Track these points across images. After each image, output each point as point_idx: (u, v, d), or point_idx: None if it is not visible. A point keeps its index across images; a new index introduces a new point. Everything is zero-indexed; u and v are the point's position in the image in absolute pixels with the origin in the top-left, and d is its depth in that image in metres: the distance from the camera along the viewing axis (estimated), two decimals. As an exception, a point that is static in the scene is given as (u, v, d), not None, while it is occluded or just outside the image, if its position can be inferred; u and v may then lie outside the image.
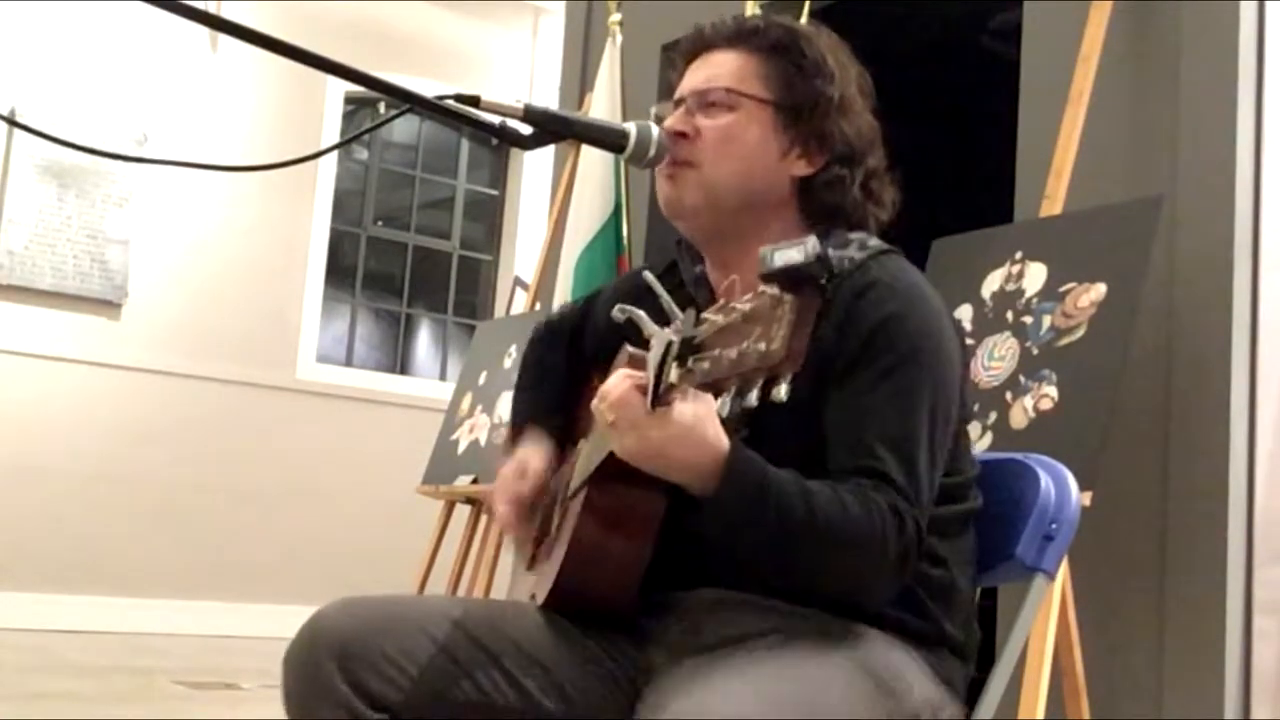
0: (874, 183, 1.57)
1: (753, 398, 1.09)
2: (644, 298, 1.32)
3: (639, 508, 1.43)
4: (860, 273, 1.46)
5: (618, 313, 1.30)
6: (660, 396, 1.23)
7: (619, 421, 1.28)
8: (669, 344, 1.18)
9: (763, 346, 1.04)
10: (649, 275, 1.37)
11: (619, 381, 1.29)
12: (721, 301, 1.13)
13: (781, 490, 1.31)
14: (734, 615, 1.43)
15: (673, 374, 1.18)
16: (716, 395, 1.13)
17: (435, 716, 1.41)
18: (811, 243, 1.05)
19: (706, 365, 1.11)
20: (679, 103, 1.58)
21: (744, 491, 1.30)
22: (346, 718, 1.38)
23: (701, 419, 1.27)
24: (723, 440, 1.30)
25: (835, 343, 1.41)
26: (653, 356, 1.23)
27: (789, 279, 1.04)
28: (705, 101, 1.55)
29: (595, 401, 1.32)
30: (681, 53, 1.63)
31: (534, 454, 1.65)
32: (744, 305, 1.08)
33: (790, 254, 1.05)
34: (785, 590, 1.40)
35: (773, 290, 1.05)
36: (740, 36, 1.57)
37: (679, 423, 1.26)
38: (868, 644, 1.38)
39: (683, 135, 1.54)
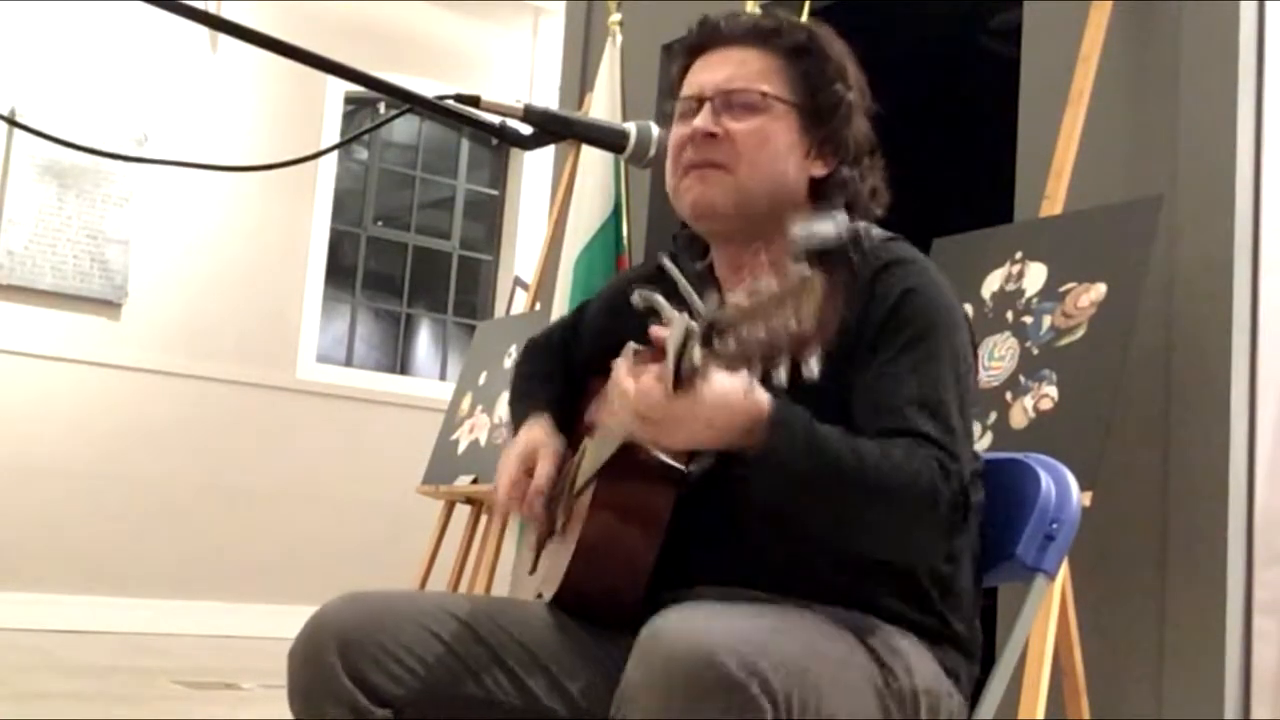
0: (873, 179, 1.58)
1: (781, 375, 1.08)
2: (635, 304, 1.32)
3: (648, 503, 1.43)
4: (875, 255, 1.47)
5: (638, 298, 1.29)
6: (683, 380, 1.22)
7: (651, 414, 1.26)
8: (688, 328, 1.18)
9: (793, 324, 1.04)
10: (667, 261, 1.36)
11: (638, 377, 1.27)
12: (748, 282, 1.12)
13: (829, 438, 1.31)
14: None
15: (696, 356, 1.16)
16: (740, 372, 1.12)
17: (438, 713, 1.41)
18: (841, 219, 1.05)
19: (733, 345, 1.10)
20: (700, 100, 1.55)
21: (794, 442, 1.29)
22: (349, 714, 1.39)
23: (734, 384, 1.25)
24: (764, 395, 1.28)
25: (858, 321, 1.42)
26: (672, 340, 1.22)
27: (818, 256, 1.04)
28: (733, 102, 1.53)
29: (617, 400, 1.30)
30: (689, 45, 1.61)
31: (541, 437, 1.63)
32: (771, 285, 1.08)
33: (821, 230, 1.05)
34: (838, 547, 1.38)
35: (802, 268, 1.05)
36: (760, 35, 1.56)
37: (715, 392, 1.24)
38: (872, 628, 1.39)
39: (712, 136, 1.53)
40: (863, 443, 1.33)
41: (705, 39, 1.59)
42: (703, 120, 1.53)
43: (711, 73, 1.56)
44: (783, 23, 1.58)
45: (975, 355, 1.53)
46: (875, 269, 1.45)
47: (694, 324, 1.16)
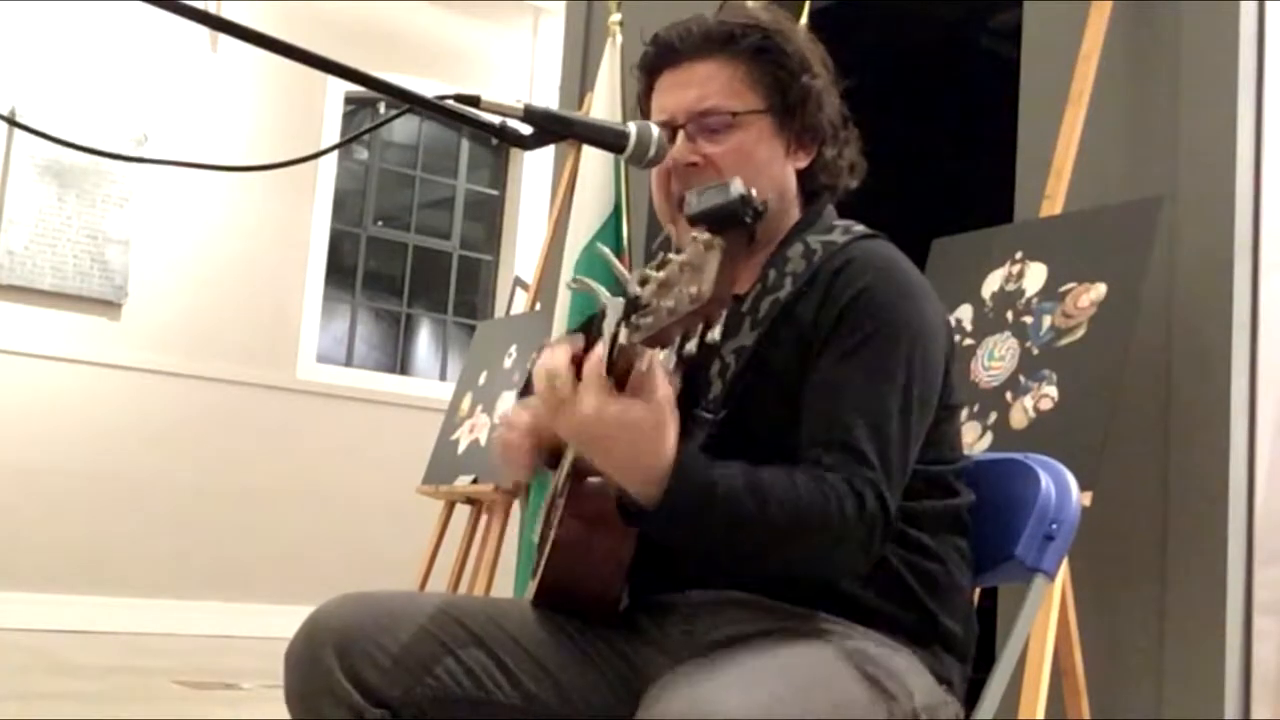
0: (849, 153, 1.59)
1: (692, 345, 1.09)
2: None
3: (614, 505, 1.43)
4: (840, 253, 1.47)
5: (571, 284, 1.32)
6: (615, 361, 1.22)
7: (551, 396, 1.25)
8: (620, 308, 1.20)
9: (693, 289, 1.05)
10: (601, 247, 1.37)
11: (551, 355, 1.27)
12: (660, 257, 1.14)
13: (728, 491, 1.29)
14: (730, 616, 1.43)
15: (622, 335, 1.18)
16: (663, 348, 1.14)
17: (435, 713, 1.41)
18: (735, 184, 1.06)
19: (650, 319, 1.11)
20: (672, 126, 1.53)
21: (688, 499, 1.27)
22: (347, 714, 1.39)
23: (648, 417, 1.23)
24: (670, 446, 1.26)
25: (814, 320, 1.43)
26: (607, 324, 1.24)
27: (715, 221, 1.05)
28: (705, 125, 1.52)
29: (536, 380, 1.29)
30: (647, 65, 1.58)
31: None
32: (680, 256, 1.09)
33: (713, 194, 1.06)
34: (752, 573, 1.41)
35: (703, 235, 1.06)
36: (717, 44, 1.54)
37: (625, 410, 1.23)
38: (865, 645, 1.38)
39: (694, 165, 1.51)
40: (766, 485, 1.30)
41: (662, 58, 1.56)
42: (679, 153, 1.52)
43: (678, 95, 1.54)
44: (735, 26, 1.55)
45: (952, 352, 1.50)
46: (834, 268, 1.45)
47: (621, 304, 1.19)
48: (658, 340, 1.12)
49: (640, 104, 1.61)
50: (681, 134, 1.53)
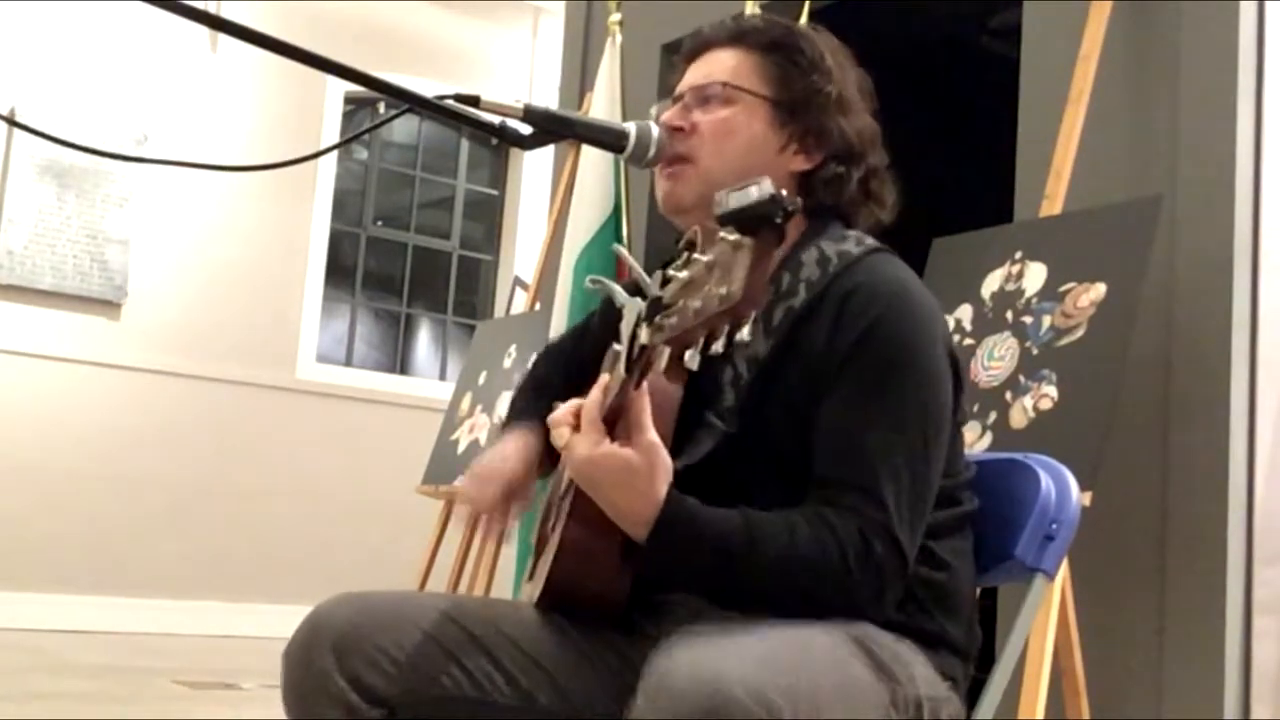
0: (874, 182, 1.57)
1: (719, 345, 1.09)
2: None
3: None
4: (849, 273, 1.46)
5: (589, 284, 1.32)
6: (634, 361, 1.24)
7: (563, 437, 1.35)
8: (639, 310, 1.20)
9: (723, 290, 1.05)
10: (618, 247, 1.39)
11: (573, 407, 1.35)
12: (685, 256, 1.13)
13: (716, 537, 1.33)
14: (731, 615, 1.43)
15: (644, 335, 1.18)
16: (687, 348, 1.14)
17: (432, 713, 1.41)
18: (765, 183, 1.06)
19: (674, 319, 1.11)
20: (678, 99, 1.58)
21: (673, 543, 1.32)
22: (344, 714, 1.38)
23: (639, 466, 1.30)
24: (660, 493, 1.31)
25: (825, 345, 1.42)
26: (625, 324, 1.25)
27: (745, 221, 1.05)
28: (703, 97, 1.55)
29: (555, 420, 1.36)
30: (682, 55, 1.63)
31: (514, 440, 1.63)
32: (706, 256, 1.09)
33: (744, 195, 1.06)
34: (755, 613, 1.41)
35: (731, 235, 1.06)
36: (739, 35, 1.58)
37: (622, 460, 1.29)
38: (871, 632, 1.38)
39: (679, 130, 1.54)
40: (764, 528, 1.33)
41: (693, 46, 1.62)
42: (670, 115, 1.56)
43: (693, 74, 1.59)
44: (763, 22, 1.60)
45: (959, 374, 1.50)
46: (845, 290, 1.44)
47: (642, 305, 1.19)
48: (682, 340, 1.12)
49: (672, 92, 1.64)
50: (680, 104, 1.57)
